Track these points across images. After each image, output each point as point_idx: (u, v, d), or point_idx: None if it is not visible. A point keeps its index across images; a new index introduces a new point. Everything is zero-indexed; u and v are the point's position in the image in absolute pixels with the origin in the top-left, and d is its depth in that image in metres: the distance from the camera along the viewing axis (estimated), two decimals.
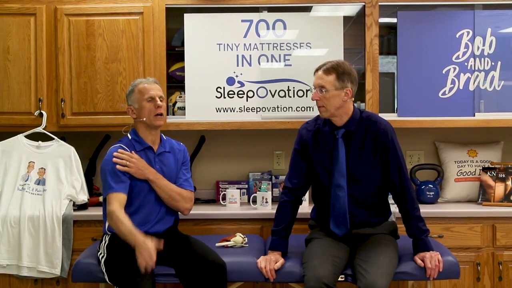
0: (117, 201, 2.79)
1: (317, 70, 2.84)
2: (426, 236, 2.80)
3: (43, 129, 3.52)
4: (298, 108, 3.63)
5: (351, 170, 2.83)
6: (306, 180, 2.95)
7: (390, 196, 2.96)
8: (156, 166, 2.93)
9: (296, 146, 2.95)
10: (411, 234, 2.82)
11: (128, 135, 2.97)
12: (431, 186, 3.66)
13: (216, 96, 3.62)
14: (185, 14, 3.62)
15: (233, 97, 3.62)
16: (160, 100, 2.92)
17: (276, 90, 3.62)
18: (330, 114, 2.82)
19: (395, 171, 2.83)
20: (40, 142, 3.53)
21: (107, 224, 2.86)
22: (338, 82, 2.78)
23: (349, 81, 2.80)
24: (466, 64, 3.61)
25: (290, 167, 2.97)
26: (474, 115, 3.62)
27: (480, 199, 3.63)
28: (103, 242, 2.85)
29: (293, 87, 3.62)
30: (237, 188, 3.71)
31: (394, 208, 3.00)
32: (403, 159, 2.86)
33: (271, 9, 3.62)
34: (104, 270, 2.78)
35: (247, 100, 3.63)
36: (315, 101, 2.83)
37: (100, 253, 2.82)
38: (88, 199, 3.52)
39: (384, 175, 2.86)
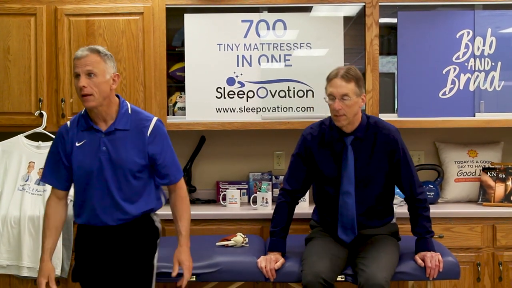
0: (54, 195, 2.58)
1: (333, 77, 2.73)
2: (430, 237, 2.80)
3: (43, 129, 3.52)
4: (298, 108, 3.63)
5: (359, 177, 2.79)
6: (306, 184, 2.94)
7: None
8: (102, 148, 2.46)
9: (299, 150, 2.89)
10: (416, 232, 2.81)
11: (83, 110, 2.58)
12: (431, 186, 3.66)
13: (216, 96, 3.62)
14: (185, 14, 3.62)
15: (233, 97, 3.62)
16: (89, 75, 2.37)
17: (276, 91, 3.62)
18: (349, 122, 2.76)
19: (407, 182, 2.81)
20: (40, 142, 3.53)
21: None
22: (358, 89, 2.73)
23: (363, 87, 2.78)
24: (466, 64, 3.61)
25: (290, 170, 2.93)
26: (474, 116, 3.62)
27: (480, 200, 3.63)
28: None
29: (293, 87, 3.62)
30: (237, 189, 3.71)
31: (395, 209, 3.00)
32: (414, 168, 2.84)
33: (271, 9, 3.62)
34: None
35: (247, 100, 3.62)
36: (336, 110, 2.69)
37: None
38: None
39: (393, 182, 2.86)
